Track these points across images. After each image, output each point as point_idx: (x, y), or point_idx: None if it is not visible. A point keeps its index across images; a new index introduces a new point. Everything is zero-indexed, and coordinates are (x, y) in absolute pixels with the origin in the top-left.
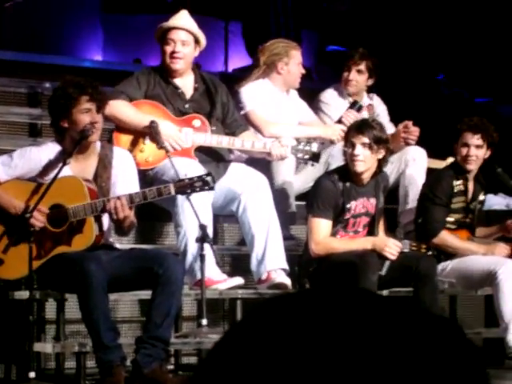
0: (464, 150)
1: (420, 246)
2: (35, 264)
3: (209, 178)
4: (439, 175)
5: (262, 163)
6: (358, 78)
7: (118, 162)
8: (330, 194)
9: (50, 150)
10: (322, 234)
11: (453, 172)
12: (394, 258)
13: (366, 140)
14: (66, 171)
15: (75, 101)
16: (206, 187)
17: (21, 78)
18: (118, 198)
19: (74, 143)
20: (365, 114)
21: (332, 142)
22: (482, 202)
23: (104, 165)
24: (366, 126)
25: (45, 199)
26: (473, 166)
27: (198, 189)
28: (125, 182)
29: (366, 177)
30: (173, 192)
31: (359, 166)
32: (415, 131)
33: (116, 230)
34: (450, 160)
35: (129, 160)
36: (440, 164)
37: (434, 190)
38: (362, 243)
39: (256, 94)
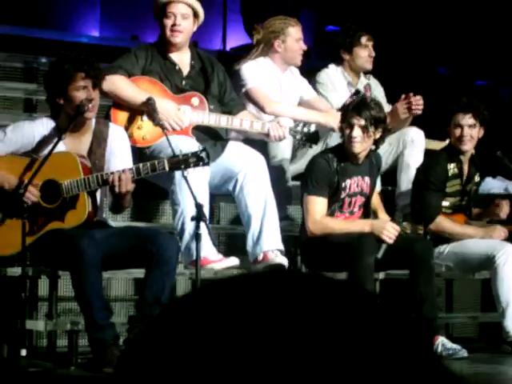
0: (457, 131)
1: (417, 227)
2: (28, 240)
3: (203, 154)
4: (433, 160)
5: (258, 143)
6: (363, 53)
7: (112, 138)
8: (325, 172)
9: (44, 125)
10: (319, 213)
11: (447, 155)
12: (391, 241)
13: (363, 122)
14: (61, 147)
15: (71, 77)
16: (201, 163)
17: (17, 53)
18: (123, 170)
19: (69, 119)
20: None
21: (332, 130)
22: (478, 184)
23: (99, 141)
24: (365, 107)
25: (38, 174)
26: (468, 147)
27: (192, 164)
28: (119, 158)
29: (362, 156)
30: (167, 168)
31: (356, 148)
32: (419, 99)
33: (112, 207)
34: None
35: (123, 137)
36: (438, 145)
37: (428, 175)
38: (361, 225)
39: (257, 72)
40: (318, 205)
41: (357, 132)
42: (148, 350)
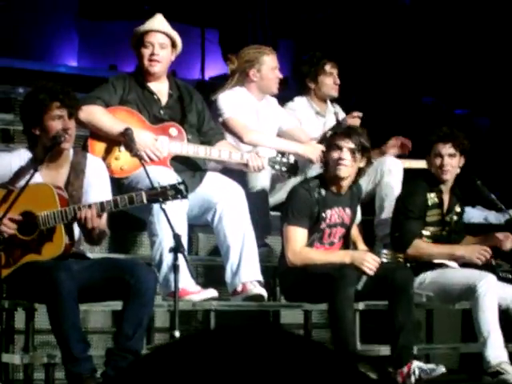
0: (438, 161)
1: (396, 255)
2: (4, 272)
3: (182, 187)
4: (412, 188)
5: (237, 173)
6: (328, 80)
7: (90, 169)
8: (305, 202)
9: (21, 156)
10: (299, 243)
11: (426, 184)
12: (371, 273)
13: (352, 145)
14: (38, 178)
15: (46, 107)
16: (179, 196)
17: None
18: (89, 206)
19: (45, 150)
20: (328, 120)
21: (311, 162)
22: (459, 214)
23: (76, 173)
24: (354, 132)
25: (15, 206)
26: (448, 176)
27: (170, 197)
28: (97, 190)
29: (345, 185)
30: (145, 200)
31: (343, 171)
32: (408, 143)
33: (86, 240)
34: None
35: (102, 168)
36: (419, 164)
37: (407, 203)
38: (341, 256)
39: (233, 101)
40: (297, 235)
41: (346, 155)
42: None
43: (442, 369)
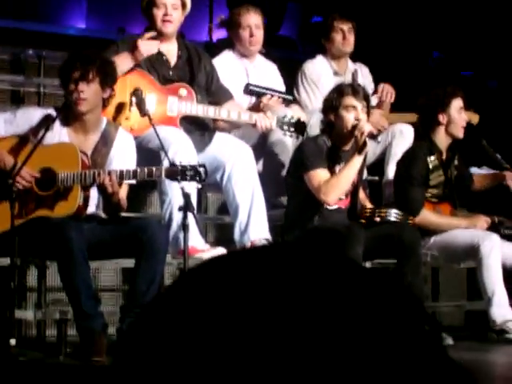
0: (459, 116)
1: (407, 216)
2: (16, 222)
3: (201, 170)
4: (413, 154)
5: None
6: (338, 36)
7: (119, 142)
8: (318, 151)
9: (45, 113)
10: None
11: (426, 148)
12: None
13: (365, 103)
14: (65, 140)
15: (68, 70)
16: (197, 177)
17: (4, 45)
18: (109, 173)
19: (65, 110)
20: (347, 80)
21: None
22: (459, 167)
23: (105, 142)
24: (360, 88)
25: (37, 161)
26: (461, 134)
27: (188, 178)
28: (121, 162)
29: (352, 142)
30: (163, 176)
31: (363, 129)
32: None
33: (104, 208)
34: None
35: (130, 142)
36: (408, 117)
37: (410, 169)
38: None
39: (221, 69)
40: (320, 175)
41: (362, 115)
42: (144, 340)
43: (450, 341)
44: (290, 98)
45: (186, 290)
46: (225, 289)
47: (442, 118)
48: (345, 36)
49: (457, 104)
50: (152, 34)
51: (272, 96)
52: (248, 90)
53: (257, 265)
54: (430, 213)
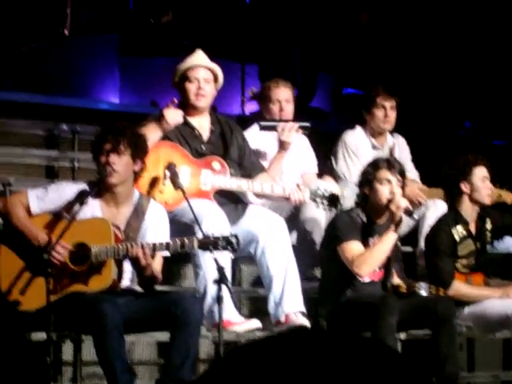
0: (483, 184)
1: (438, 289)
2: (51, 298)
3: (233, 240)
4: (437, 226)
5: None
6: (379, 113)
7: (151, 214)
8: (352, 224)
9: (80, 189)
10: (358, 254)
11: (451, 219)
12: None
13: (398, 177)
14: (98, 214)
15: (99, 142)
16: (229, 247)
17: (38, 120)
18: (142, 245)
19: (97, 184)
20: (385, 154)
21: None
22: (492, 231)
23: (137, 214)
24: (395, 162)
25: (70, 236)
26: (488, 201)
27: (220, 248)
28: (154, 234)
29: (386, 214)
30: (196, 247)
31: (399, 203)
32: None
33: (139, 282)
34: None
35: (162, 214)
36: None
37: (435, 242)
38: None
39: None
40: (354, 248)
41: (396, 189)
42: None
43: None
44: (307, 124)
45: (222, 378)
46: (257, 377)
47: (465, 187)
48: (386, 114)
49: (479, 172)
50: (175, 103)
51: (285, 125)
52: (261, 128)
53: (287, 357)
54: (462, 284)
